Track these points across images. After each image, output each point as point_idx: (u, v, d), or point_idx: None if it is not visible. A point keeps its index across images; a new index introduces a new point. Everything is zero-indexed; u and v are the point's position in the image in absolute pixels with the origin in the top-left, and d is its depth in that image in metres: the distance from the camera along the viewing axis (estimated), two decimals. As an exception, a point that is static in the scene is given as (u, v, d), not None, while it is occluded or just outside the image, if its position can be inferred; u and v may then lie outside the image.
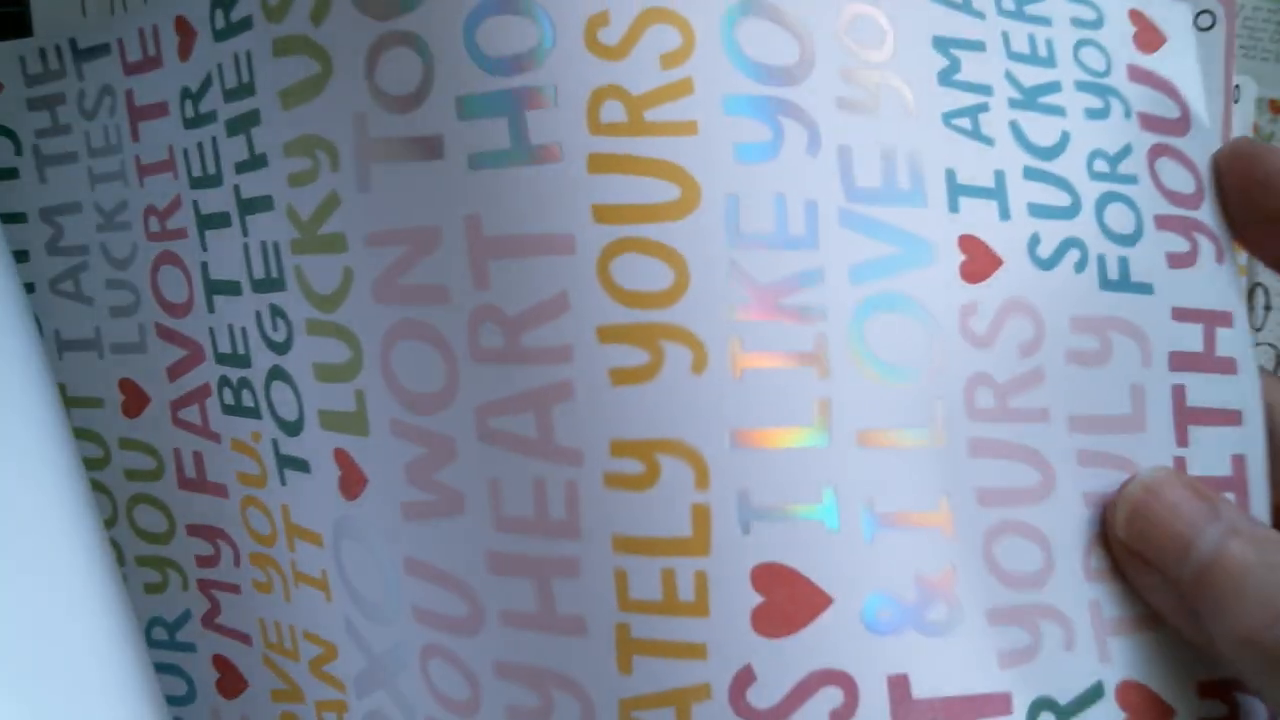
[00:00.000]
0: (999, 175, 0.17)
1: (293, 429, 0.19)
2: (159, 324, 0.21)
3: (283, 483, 0.20)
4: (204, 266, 0.20)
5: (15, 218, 0.23)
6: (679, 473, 0.15)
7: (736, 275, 0.15)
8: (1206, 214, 0.18)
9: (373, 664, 0.18)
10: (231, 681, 0.22)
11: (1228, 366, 0.18)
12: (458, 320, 0.15)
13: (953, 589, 0.15)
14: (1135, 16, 0.19)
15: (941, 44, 0.17)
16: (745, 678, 0.15)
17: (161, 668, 0.23)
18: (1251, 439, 0.17)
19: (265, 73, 0.17)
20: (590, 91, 0.15)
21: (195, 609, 0.22)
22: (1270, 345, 0.24)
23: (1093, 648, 0.16)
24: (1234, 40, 0.21)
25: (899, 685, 0.15)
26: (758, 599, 0.15)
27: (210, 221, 0.20)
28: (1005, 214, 0.17)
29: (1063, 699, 0.16)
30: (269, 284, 0.18)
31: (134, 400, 0.22)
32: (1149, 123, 0.18)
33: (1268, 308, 0.20)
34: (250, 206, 0.19)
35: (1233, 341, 0.18)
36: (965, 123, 0.17)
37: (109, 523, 0.23)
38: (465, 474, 0.16)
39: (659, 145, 0.15)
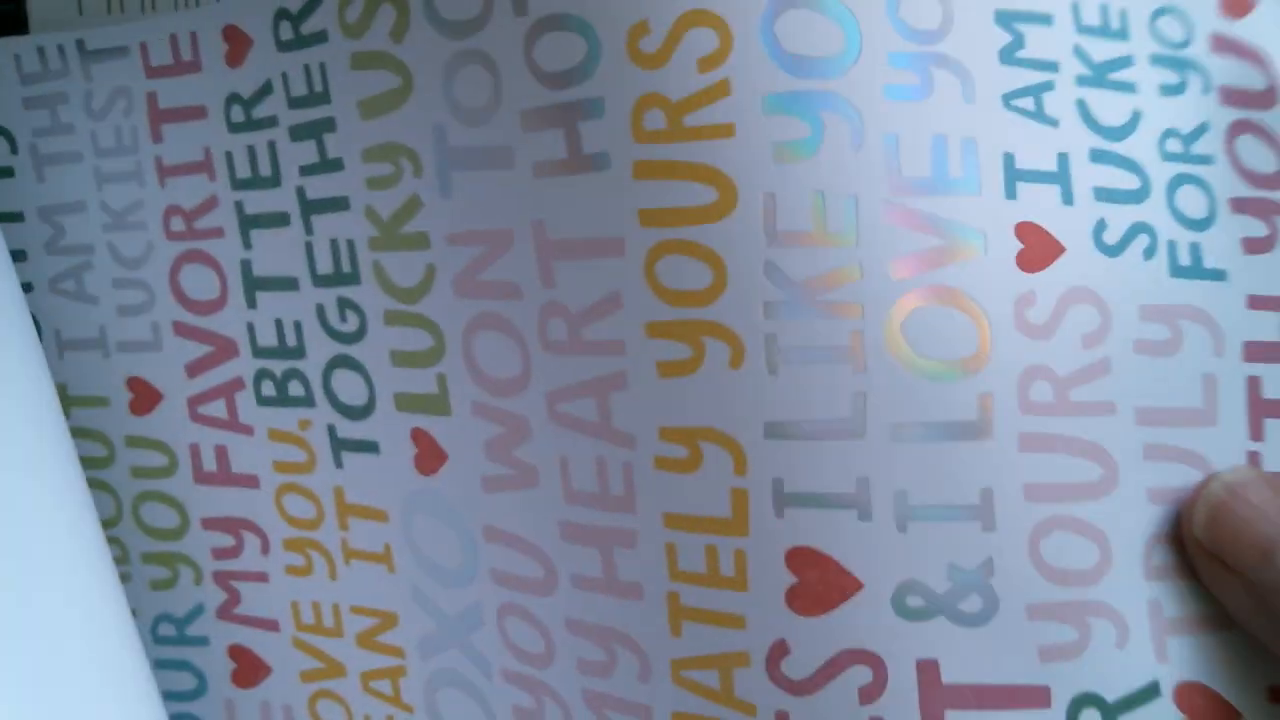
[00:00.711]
0: (1062, 158, 0.16)
1: (358, 413, 0.20)
2: (178, 321, 0.22)
3: (338, 465, 0.21)
4: (245, 264, 0.21)
5: (12, 217, 0.23)
6: (719, 459, 0.16)
7: (773, 274, 0.15)
8: None
9: (443, 625, 0.20)
10: (250, 670, 0.23)
11: None
12: (529, 314, 0.17)
13: (989, 582, 0.15)
14: None
15: (1004, 18, 0.16)
16: (780, 650, 0.16)
17: (168, 664, 0.23)
18: None
19: (342, 84, 0.18)
20: (634, 101, 0.16)
21: (209, 602, 0.23)
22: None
23: (1149, 646, 0.16)
24: None
25: (928, 669, 0.15)
26: (791, 579, 0.16)
27: (258, 221, 0.21)
28: (1068, 199, 0.16)
29: (1110, 696, 0.16)
30: (339, 278, 0.20)
31: (144, 398, 0.22)
32: (1231, 96, 0.17)
33: None
34: (318, 206, 0.20)
35: None
36: (1028, 103, 0.16)
37: (112, 521, 0.23)
38: (539, 451, 0.17)
39: (697, 150, 0.15)
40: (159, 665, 0.23)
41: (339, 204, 0.19)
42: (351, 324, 0.20)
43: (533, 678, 0.19)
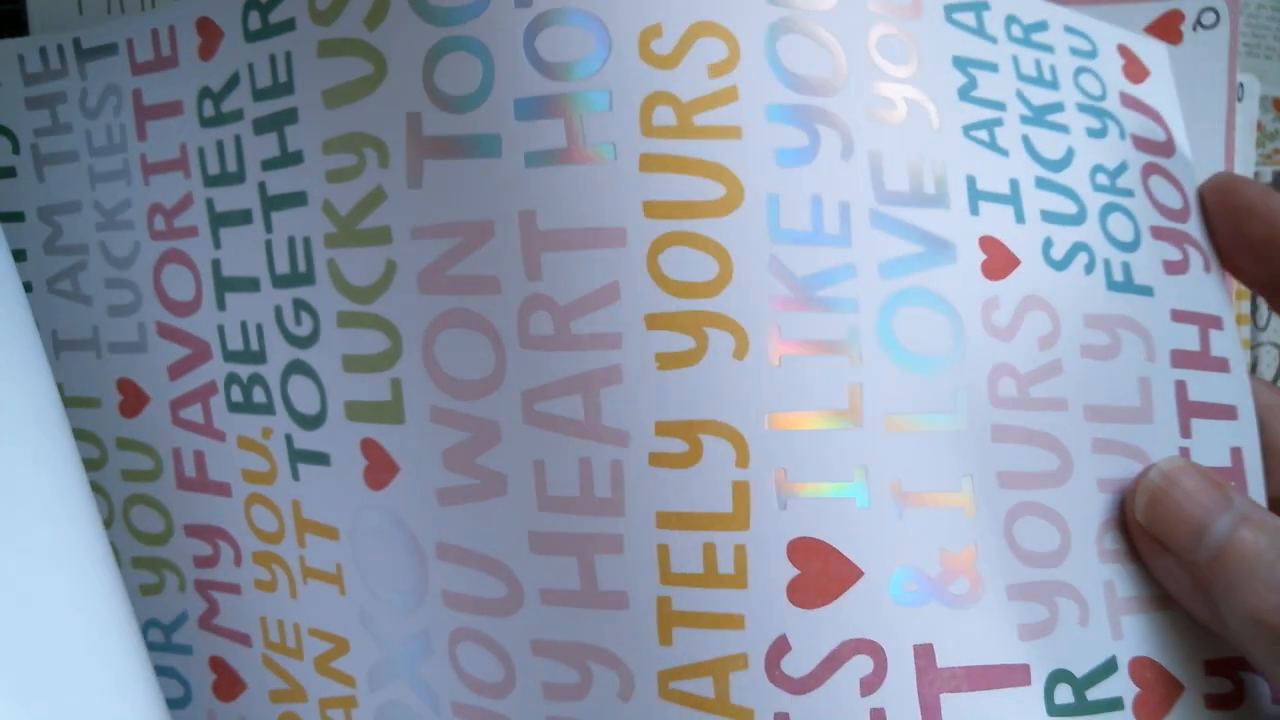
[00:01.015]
0: (1014, 183, 0.18)
1: (312, 422, 0.19)
2: (160, 323, 0.21)
3: (295, 478, 0.20)
4: (215, 264, 0.20)
5: (13, 217, 0.23)
6: (720, 451, 0.16)
7: (776, 269, 0.16)
8: (1194, 228, 0.19)
9: (390, 654, 0.19)
10: (228, 683, 0.22)
11: (1222, 365, 0.19)
12: (508, 309, 0.16)
13: (974, 565, 0.16)
14: (1123, 50, 0.20)
15: (960, 63, 0.18)
16: (780, 647, 0.16)
17: (157, 670, 0.23)
18: (1247, 433, 0.19)
19: (307, 73, 0.18)
20: (643, 97, 0.16)
21: (192, 610, 0.22)
22: (1274, 345, 0.26)
23: (1106, 624, 0.17)
24: (1238, 38, 0.23)
25: (924, 654, 0.16)
26: (793, 571, 0.16)
27: (226, 219, 0.20)
28: (1020, 218, 0.18)
29: (1078, 671, 0.17)
30: (294, 279, 0.19)
31: (132, 400, 0.22)
32: (1141, 144, 0.20)
33: (1266, 318, 0.22)
34: (277, 203, 0.19)
35: (1224, 343, 0.19)
36: (983, 134, 0.18)
37: (105, 524, 0.23)
38: (509, 456, 0.16)
39: (706, 148, 0.16)
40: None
41: (297, 199, 0.19)
42: (306, 327, 0.19)
43: (488, 710, 0.18)
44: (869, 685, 0.16)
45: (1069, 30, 0.20)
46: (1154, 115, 0.20)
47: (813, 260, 0.16)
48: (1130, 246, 0.19)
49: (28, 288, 0.23)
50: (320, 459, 0.19)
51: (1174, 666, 0.17)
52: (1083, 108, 0.19)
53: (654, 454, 0.16)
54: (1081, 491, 0.17)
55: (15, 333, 0.22)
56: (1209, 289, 0.19)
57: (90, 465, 0.23)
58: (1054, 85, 0.19)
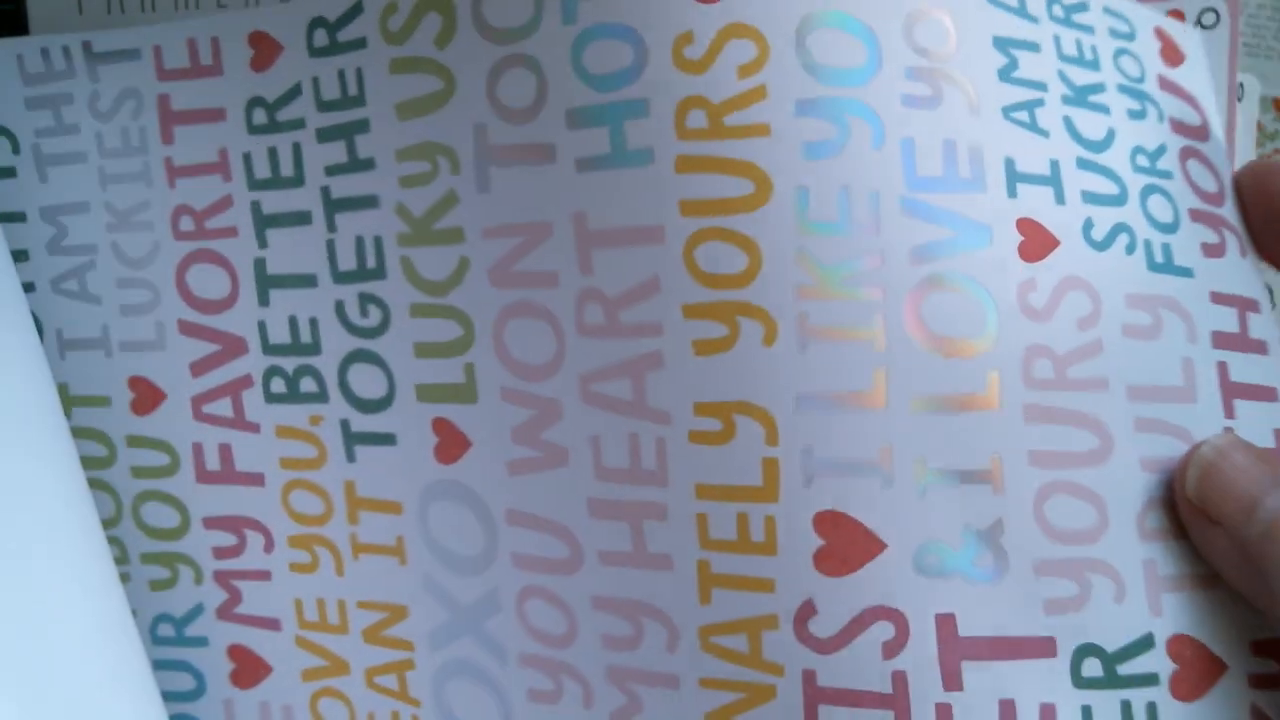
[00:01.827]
0: (1054, 164, 0.18)
1: (375, 406, 0.21)
2: (183, 320, 0.22)
3: (350, 459, 0.21)
4: (259, 263, 0.21)
5: (14, 217, 0.23)
6: (752, 430, 0.17)
7: (804, 259, 0.17)
8: (1229, 212, 0.20)
9: (457, 614, 0.20)
10: (249, 670, 0.23)
11: (1260, 348, 0.19)
12: (566, 301, 0.18)
13: (1000, 541, 0.17)
14: (1159, 33, 0.21)
15: (1001, 44, 0.18)
16: (807, 610, 0.17)
17: (167, 664, 0.23)
18: None
19: (380, 87, 0.19)
20: (677, 102, 0.17)
21: (209, 602, 0.23)
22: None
23: (1144, 601, 0.17)
24: (1238, 38, 0.23)
25: (946, 623, 0.17)
26: (819, 542, 0.17)
27: (276, 220, 0.21)
28: (1060, 199, 0.18)
29: (1109, 647, 0.17)
30: (361, 274, 0.20)
31: (146, 397, 0.23)
32: (1178, 127, 0.20)
33: (1273, 305, 0.20)
34: (343, 205, 0.20)
35: (1262, 326, 0.19)
36: (1023, 115, 0.18)
37: (112, 521, 0.23)
38: (569, 431, 0.18)
39: (736, 147, 0.17)
40: (158, 666, 0.23)
41: (368, 202, 0.20)
42: (373, 318, 0.20)
43: (553, 659, 0.19)
44: (891, 649, 0.17)
45: (1108, 11, 0.20)
46: (1189, 99, 0.20)
47: (841, 249, 0.17)
48: (1170, 228, 0.19)
49: (30, 288, 0.23)
50: (384, 439, 0.21)
51: (1217, 645, 0.17)
52: (1123, 89, 0.19)
53: (693, 432, 0.17)
54: (1123, 471, 0.17)
55: (12, 333, 0.22)
56: (1245, 273, 0.19)
57: (98, 463, 0.23)
58: (1095, 66, 0.19)
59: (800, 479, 0.17)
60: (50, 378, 0.23)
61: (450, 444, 0.20)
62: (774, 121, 0.17)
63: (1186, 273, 0.19)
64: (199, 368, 0.22)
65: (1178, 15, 0.23)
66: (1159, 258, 0.18)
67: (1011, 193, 0.17)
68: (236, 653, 0.23)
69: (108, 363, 0.23)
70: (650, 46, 0.17)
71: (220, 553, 0.22)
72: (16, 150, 0.23)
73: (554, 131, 0.18)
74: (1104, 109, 0.19)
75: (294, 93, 0.21)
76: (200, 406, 0.22)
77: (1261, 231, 0.19)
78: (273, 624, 0.22)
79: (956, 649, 0.17)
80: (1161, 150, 0.19)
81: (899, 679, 0.17)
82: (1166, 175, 0.19)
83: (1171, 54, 0.20)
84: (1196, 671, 0.17)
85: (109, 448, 0.23)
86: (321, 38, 0.20)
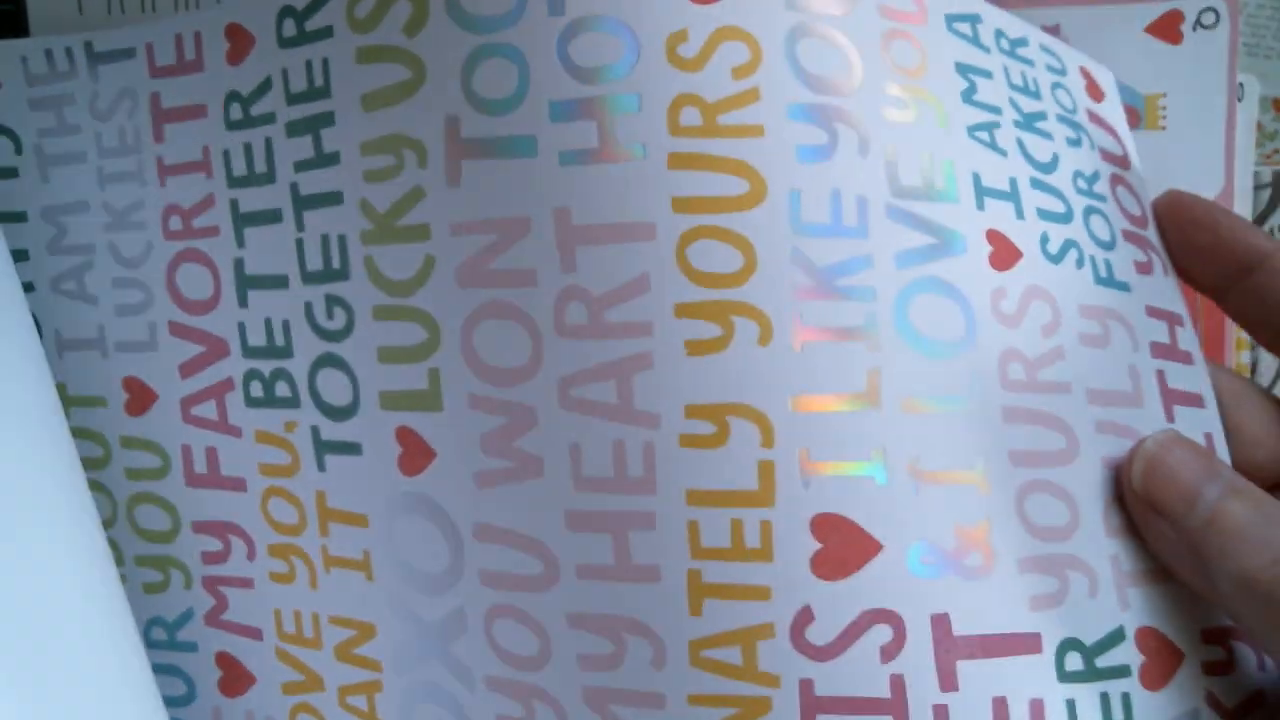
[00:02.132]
0: (1013, 181, 0.19)
1: (341, 414, 0.20)
2: (173, 321, 0.22)
3: (320, 469, 0.20)
4: (238, 263, 0.21)
5: (15, 217, 0.23)
6: (746, 433, 0.17)
7: (798, 259, 0.17)
8: (1152, 235, 0.21)
9: (422, 635, 0.19)
10: (235, 679, 0.22)
11: (1187, 358, 0.20)
12: (544, 300, 0.17)
13: (988, 539, 0.17)
14: (1084, 71, 0.22)
15: (961, 68, 0.19)
16: (805, 617, 0.17)
17: (158, 669, 0.23)
18: (1213, 420, 0.20)
19: (345, 78, 0.19)
20: (671, 98, 0.17)
21: (199, 607, 0.22)
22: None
23: (1114, 596, 0.18)
24: (1238, 38, 0.24)
25: (941, 623, 0.17)
26: (816, 545, 0.17)
27: (252, 219, 0.21)
28: (1020, 214, 0.19)
29: (1087, 640, 0.17)
30: (328, 275, 0.19)
31: (139, 398, 0.22)
32: (1106, 156, 0.21)
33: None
34: (311, 202, 0.20)
35: (1188, 339, 0.20)
36: (985, 135, 0.19)
37: (108, 523, 0.23)
38: (546, 440, 0.17)
39: (730, 145, 0.17)
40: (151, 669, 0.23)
41: (332, 199, 0.19)
42: (339, 321, 0.20)
43: (522, 683, 0.18)
44: (888, 653, 0.17)
45: (1044, 49, 0.22)
46: (1112, 131, 0.22)
47: (832, 251, 0.17)
48: (1109, 246, 0.20)
49: (30, 287, 0.23)
50: (350, 449, 0.20)
51: (1175, 635, 0.18)
52: (1060, 119, 0.21)
53: (684, 435, 0.17)
54: (1088, 469, 0.18)
55: (13, 332, 0.22)
56: (1169, 290, 0.21)
57: (94, 464, 0.23)
58: (1037, 95, 0.20)
59: (797, 481, 0.17)
60: (50, 378, 0.23)
61: (414, 454, 0.19)
62: (768, 123, 0.17)
63: (1125, 287, 0.20)
64: (187, 369, 0.22)
65: (1177, 15, 0.25)
66: (1103, 273, 0.20)
67: (980, 205, 0.18)
68: (223, 660, 0.22)
69: (104, 363, 0.22)
70: (643, 42, 0.17)
71: (208, 558, 0.22)
72: (20, 151, 0.23)
73: (535, 124, 0.17)
74: (1048, 135, 0.20)
75: (265, 86, 0.20)
76: (189, 408, 0.22)
77: (1179, 255, 0.21)
78: (255, 633, 0.22)
79: (951, 649, 0.17)
80: (1095, 176, 0.21)
81: (896, 683, 0.16)
82: (1101, 199, 0.20)
83: (1094, 90, 0.22)
84: (1161, 662, 0.18)
85: (105, 448, 0.23)
86: (290, 27, 0.20)
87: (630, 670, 0.17)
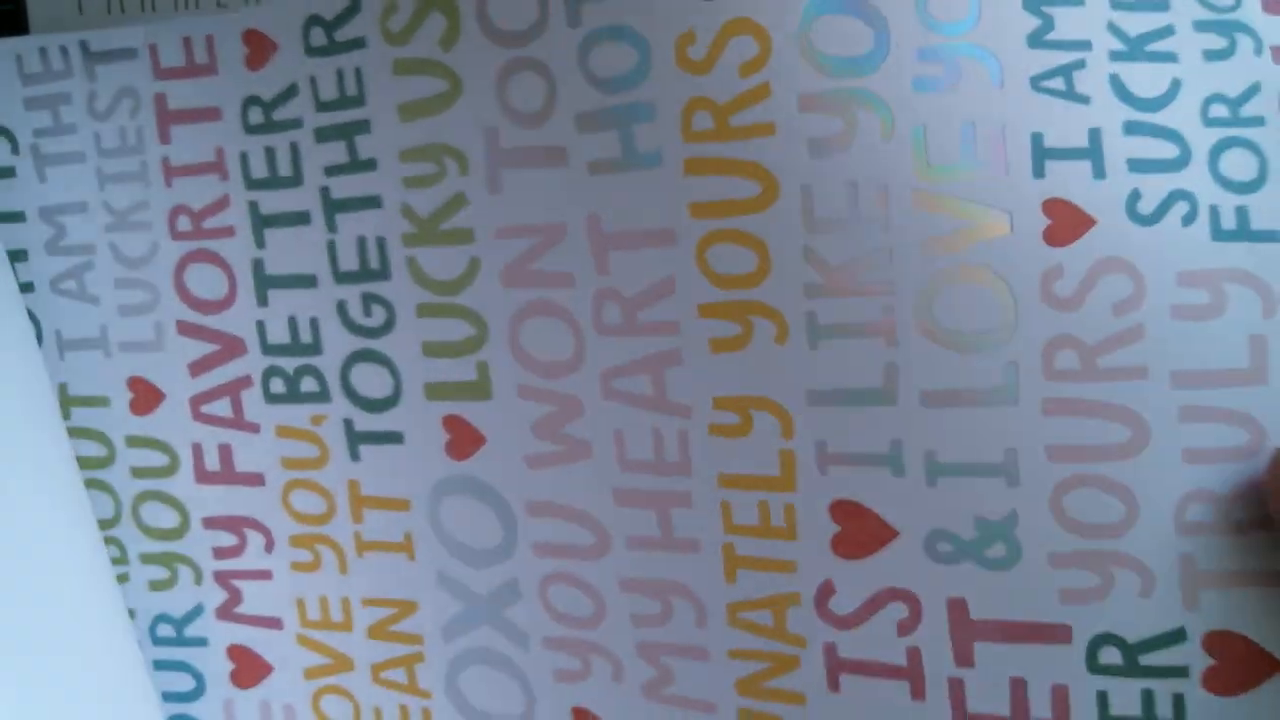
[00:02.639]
0: (1094, 133, 0.17)
1: (380, 405, 0.21)
2: (182, 321, 0.22)
3: (354, 459, 0.21)
4: (257, 263, 0.21)
5: (12, 217, 0.23)
6: (768, 424, 0.18)
7: (811, 257, 0.17)
8: None
9: (473, 605, 0.21)
10: (250, 669, 0.23)
11: None
12: (583, 300, 0.19)
13: (1013, 532, 0.17)
14: None
15: (1033, 4, 0.17)
16: (827, 589, 0.18)
17: (166, 665, 0.23)
18: None
19: (381, 87, 0.20)
20: (683, 104, 0.17)
21: (209, 602, 0.23)
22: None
23: (1177, 596, 0.17)
24: None
25: (958, 606, 0.17)
26: (835, 528, 0.18)
27: (274, 220, 0.21)
28: (1100, 173, 0.16)
29: (1130, 638, 0.17)
30: (365, 275, 0.21)
31: (145, 397, 0.23)
32: None
33: None
34: (344, 205, 0.21)
35: None
36: (1057, 83, 0.17)
37: (111, 522, 0.23)
38: (592, 426, 0.19)
39: (741, 147, 0.17)
40: (157, 666, 0.23)
41: (370, 202, 0.20)
42: (378, 318, 0.21)
43: (580, 639, 0.20)
44: (905, 627, 0.18)
45: None
46: None
47: (847, 245, 0.17)
48: (1250, 186, 0.17)
49: (29, 288, 0.23)
50: (391, 438, 0.21)
51: (1269, 643, 0.17)
52: (1201, 25, 0.17)
53: (712, 425, 0.18)
54: (1159, 462, 0.17)
55: (8, 333, 0.22)
56: None
57: (97, 463, 0.23)
58: (1162, 5, 0.17)
59: (815, 470, 0.18)
60: (46, 377, 0.23)
61: (463, 440, 0.20)
62: (778, 120, 0.17)
63: (1269, 237, 0.16)
64: (197, 368, 0.22)
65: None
66: (1228, 224, 0.16)
67: (1038, 173, 0.16)
68: (236, 652, 0.23)
69: (107, 363, 0.23)
70: (654, 48, 0.18)
71: (220, 553, 0.23)
72: (15, 150, 0.23)
73: (565, 135, 0.18)
74: (1168, 56, 0.17)
75: (291, 92, 0.21)
76: (199, 407, 0.22)
77: None
78: (274, 623, 0.22)
79: (968, 630, 0.17)
80: (1252, 91, 0.17)
81: (913, 654, 0.18)
82: (1255, 123, 0.17)
83: None
84: (1242, 668, 0.17)
85: (108, 448, 0.23)
86: (319, 36, 0.20)
87: (677, 627, 0.19)
